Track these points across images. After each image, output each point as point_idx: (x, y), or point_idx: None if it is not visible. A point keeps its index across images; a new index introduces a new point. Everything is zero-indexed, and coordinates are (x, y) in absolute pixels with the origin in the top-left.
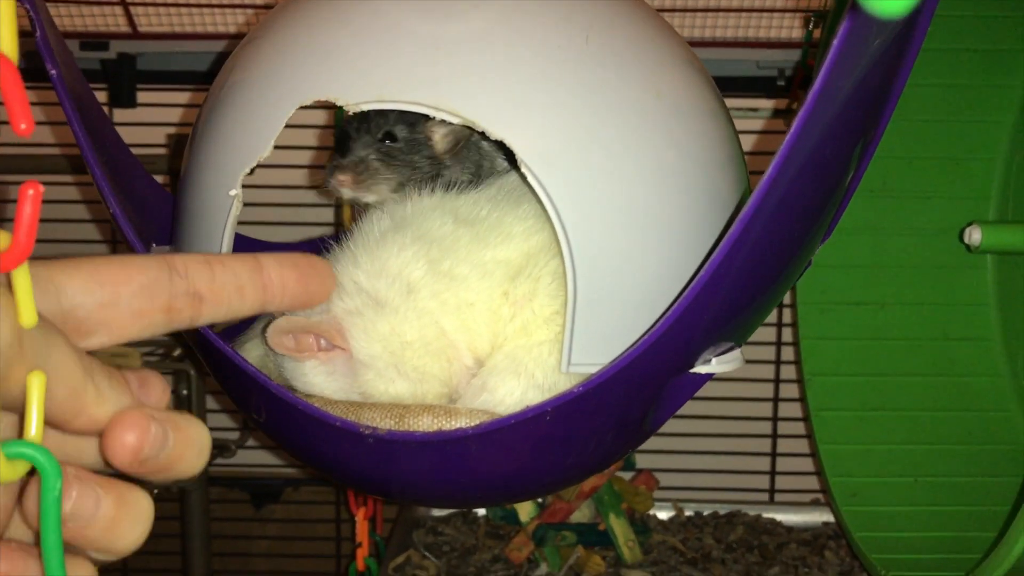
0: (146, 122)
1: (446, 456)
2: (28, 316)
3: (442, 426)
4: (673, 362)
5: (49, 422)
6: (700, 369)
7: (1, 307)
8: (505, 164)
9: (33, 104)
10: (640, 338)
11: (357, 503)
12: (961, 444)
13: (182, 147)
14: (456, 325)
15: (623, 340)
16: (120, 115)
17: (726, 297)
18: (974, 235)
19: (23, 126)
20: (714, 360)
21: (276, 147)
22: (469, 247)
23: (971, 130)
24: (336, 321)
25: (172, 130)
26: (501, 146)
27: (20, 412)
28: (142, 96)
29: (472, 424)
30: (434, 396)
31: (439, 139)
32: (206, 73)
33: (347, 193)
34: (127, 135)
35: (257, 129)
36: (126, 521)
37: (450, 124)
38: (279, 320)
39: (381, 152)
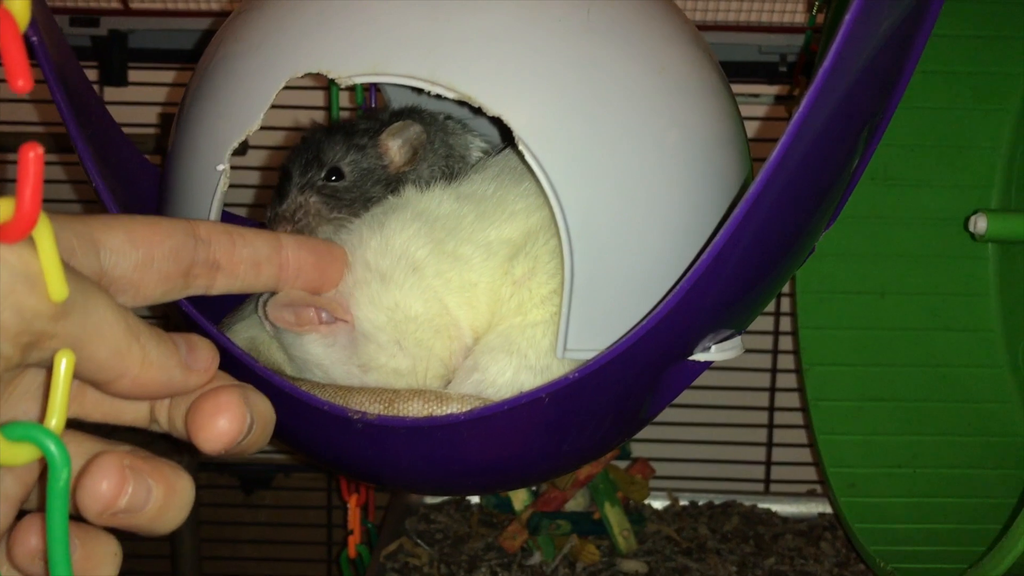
0: (137, 101)
1: (437, 442)
2: (56, 289)
3: (433, 411)
4: (672, 349)
5: (90, 383)
6: (699, 357)
7: (30, 275)
8: (479, 156)
9: None
10: (639, 323)
11: (349, 490)
12: (960, 435)
13: None
14: (459, 303)
15: (621, 325)
16: (111, 94)
17: (728, 282)
18: (979, 223)
19: (20, 83)
20: (713, 347)
21: (264, 128)
22: (473, 226)
23: (974, 118)
24: (340, 295)
25: (163, 109)
26: (498, 123)
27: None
28: (133, 75)
29: (464, 409)
30: (433, 376)
31: (395, 152)
32: (196, 52)
33: None
34: (117, 114)
35: (246, 102)
36: (172, 509)
37: (403, 134)
38: (280, 294)
39: (323, 193)
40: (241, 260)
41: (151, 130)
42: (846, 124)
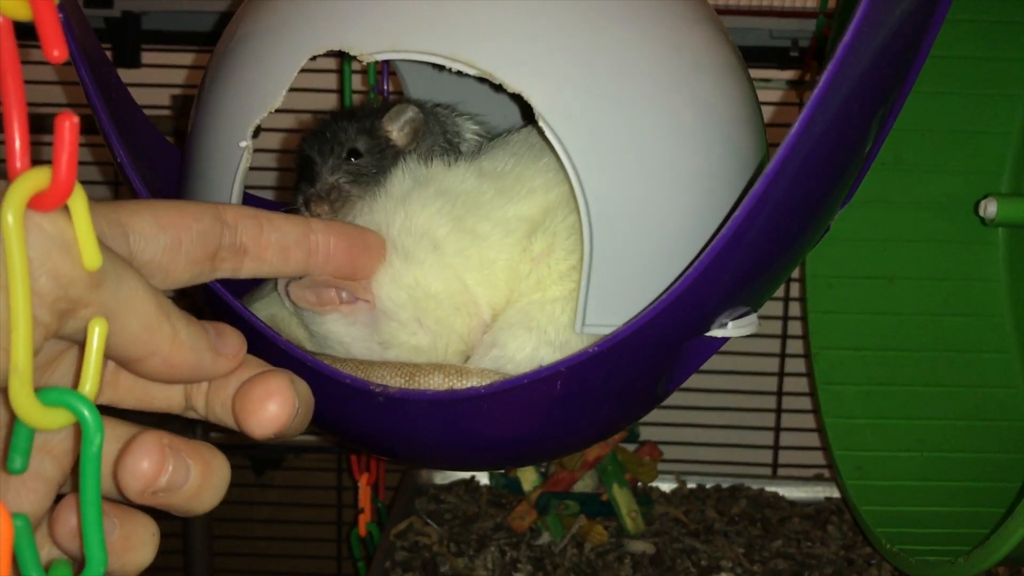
0: (150, 83)
1: (457, 416)
2: (91, 257)
3: (453, 385)
4: (689, 325)
5: (120, 361)
6: (716, 333)
7: (65, 242)
8: (474, 137)
9: (43, 63)
10: (657, 299)
11: (360, 468)
12: (967, 420)
13: (187, 108)
14: (478, 280)
15: (639, 301)
16: (123, 76)
17: (746, 259)
18: (989, 208)
19: (56, 53)
20: (730, 324)
21: (278, 111)
22: (492, 203)
23: (985, 103)
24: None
25: (177, 91)
26: (518, 100)
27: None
28: (146, 57)
29: (484, 383)
30: (453, 352)
31: (397, 134)
32: (211, 34)
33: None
34: None
35: (268, 79)
36: (209, 488)
37: (402, 116)
38: None
39: (350, 174)
40: (269, 245)
41: (164, 112)
42: (863, 104)
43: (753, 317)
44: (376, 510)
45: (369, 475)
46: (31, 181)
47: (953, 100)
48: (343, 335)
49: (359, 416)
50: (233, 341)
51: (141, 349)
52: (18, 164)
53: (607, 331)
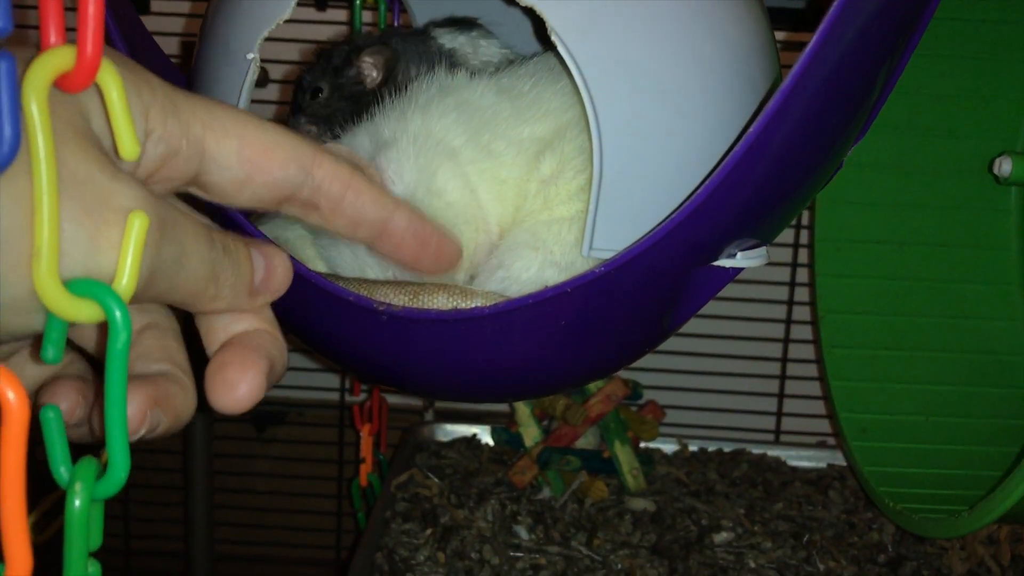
0: (159, 31)
1: (460, 337)
2: (128, 147)
3: (457, 305)
4: (698, 250)
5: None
6: (724, 263)
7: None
8: (476, 61)
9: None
10: (665, 219)
11: (362, 419)
12: (973, 386)
13: None
14: (490, 196)
15: (647, 226)
16: None
17: (756, 183)
18: (1004, 165)
19: None
20: (739, 254)
21: (288, 61)
22: (508, 121)
23: (1000, 67)
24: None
25: (186, 39)
26: (532, 17)
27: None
28: (156, 4)
29: (488, 304)
30: (457, 272)
31: (368, 68)
32: None
33: None
34: None
35: None
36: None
37: (373, 55)
38: None
39: (309, 113)
40: (341, 215)
41: (173, 60)
42: (879, 31)
43: (763, 250)
44: (377, 462)
45: (371, 425)
46: (53, 60)
47: (968, 64)
48: None
49: (363, 337)
50: (277, 284)
51: (180, 303)
52: (52, 39)
53: (614, 255)
